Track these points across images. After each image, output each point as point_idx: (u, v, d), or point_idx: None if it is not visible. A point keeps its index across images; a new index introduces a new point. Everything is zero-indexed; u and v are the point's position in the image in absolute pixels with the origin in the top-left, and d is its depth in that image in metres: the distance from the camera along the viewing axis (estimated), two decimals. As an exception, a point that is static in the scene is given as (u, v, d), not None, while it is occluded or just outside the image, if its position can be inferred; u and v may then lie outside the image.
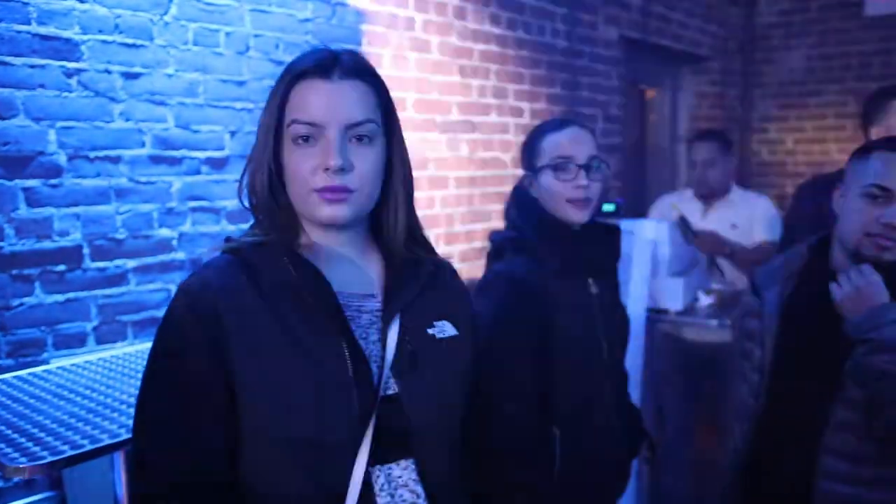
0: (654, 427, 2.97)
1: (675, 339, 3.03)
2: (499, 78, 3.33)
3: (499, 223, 2.28)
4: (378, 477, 1.00)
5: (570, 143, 1.67)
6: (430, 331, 1.09)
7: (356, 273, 1.08)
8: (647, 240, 2.55)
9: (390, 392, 1.01)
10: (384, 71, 2.81)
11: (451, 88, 3.12)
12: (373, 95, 1.06)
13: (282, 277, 1.01)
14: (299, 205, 1.04)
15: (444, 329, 1.10)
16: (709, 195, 3.31)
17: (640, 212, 3.74)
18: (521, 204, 1.73)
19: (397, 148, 1.09)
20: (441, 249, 2.89)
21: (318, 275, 1.02)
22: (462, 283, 1.22)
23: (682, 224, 2.98)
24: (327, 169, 0.99)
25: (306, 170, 1.00)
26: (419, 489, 1.02)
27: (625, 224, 2.69)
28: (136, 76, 2.14)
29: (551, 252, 1.65)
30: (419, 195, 2.96)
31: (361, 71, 1.06)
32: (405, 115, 2.91)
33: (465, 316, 1.16)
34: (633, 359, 2.50)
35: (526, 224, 1.69)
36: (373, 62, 1.13)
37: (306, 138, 1.01)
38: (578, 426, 1.64)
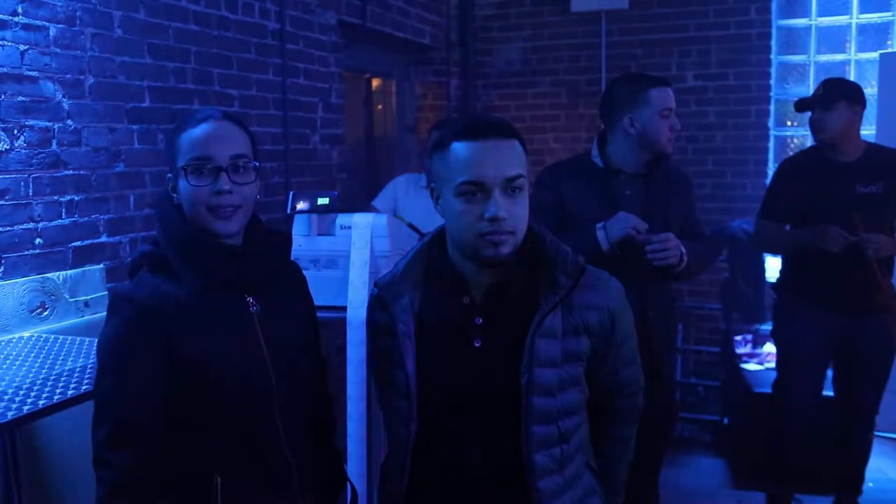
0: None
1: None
2: (200, 61, 2.98)
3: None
4: None
5: (207, 140, 1.43)
6: None
7: None
8: (364, 236, 2.38)
9: None
10: (54, 49, 2.36)
11: (142, 71, 2.72)
12: None
13: None
14: None
15: None
16: None
17: (370, 203, 3.61)
18: (162, 213, 1.48)
19: None
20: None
21: None
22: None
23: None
24: None
25: None
26: None
27: (341, 218, 2.50)
28: None
29: (192, 268, 1.41)
30: (108, 194, 2.57)
31: None
32: (83, 102, 2.48)
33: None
34: (356, 369, 2.31)
35: (163, 236, 1.44)
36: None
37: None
38: (243, 474, 1.41)
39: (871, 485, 3.58)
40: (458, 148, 1.37)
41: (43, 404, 1.69)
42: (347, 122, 4.12)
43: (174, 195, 1.47)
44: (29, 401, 1.70)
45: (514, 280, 1.43)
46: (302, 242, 2.47)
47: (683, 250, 2.41)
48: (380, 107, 4.90)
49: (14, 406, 1.67)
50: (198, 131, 1.45)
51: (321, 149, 3.71)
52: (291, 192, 2.46)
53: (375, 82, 4.89)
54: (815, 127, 3.00)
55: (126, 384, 1.37)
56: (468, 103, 5.02)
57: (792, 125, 4.76)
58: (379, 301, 1.52)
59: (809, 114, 3.02)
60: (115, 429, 1.35)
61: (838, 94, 2.93)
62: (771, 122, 4.65)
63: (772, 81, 4.61)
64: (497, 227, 1.35)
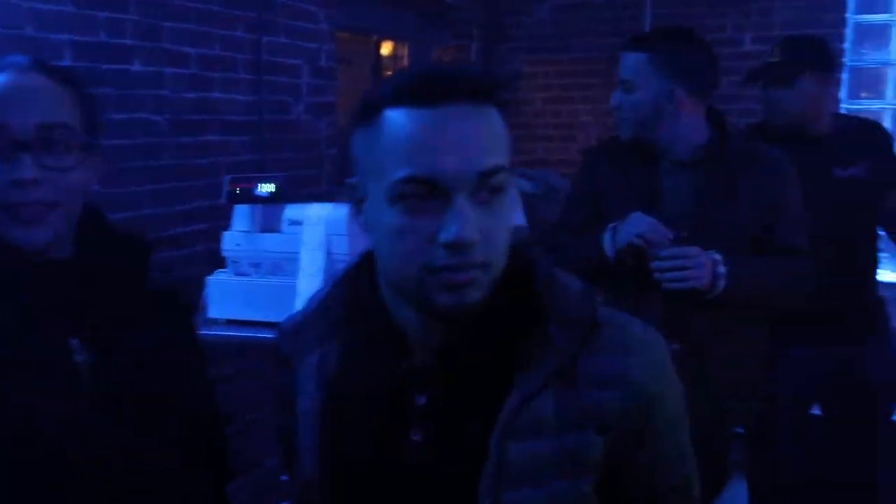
0: None
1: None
2: (144, 11, 2.46)
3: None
4: None
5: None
6: None
7: None
8: (317, 234, 1.84)
9: None
10: None
11: (61, 22, 2.21)
12: None
13: None
14: None
15: None
16: None
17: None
18: None
19: None
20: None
21: None
22: None
23: None
24: None
25: None
26: None
27: (290, 211, 1.97)
28: None
29: None
30: None
31: None
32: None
33: None
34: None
35: None
36: None
37: None
38: None
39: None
40: (395, 119, 0.81)
41: None
42: (349, 92, 3.58)
43: None
44: None
45: (483, 337, 0.87)
46: (240, 241, 1.95)
47: (722, 271, 1.77)
48: (390, 73, 4.35)
49: None
50: None
51: (305, 119, 3.17)
52: (227, 177, 1.93)
53: (386, 46, 4.33)
54: (770, 107, 2.31)
55: None
56: (492, 70, 4.44)
57: (868, 97, 4.08)
58: (279, 356, 1.01)
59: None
60: None
61: (800, 64, 2.22)
62: (844, 94, 3.97)
63: (846, 45, 3.92)
64: (461, 259, 0.79)
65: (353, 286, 0.94)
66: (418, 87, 0.81)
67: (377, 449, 0.89)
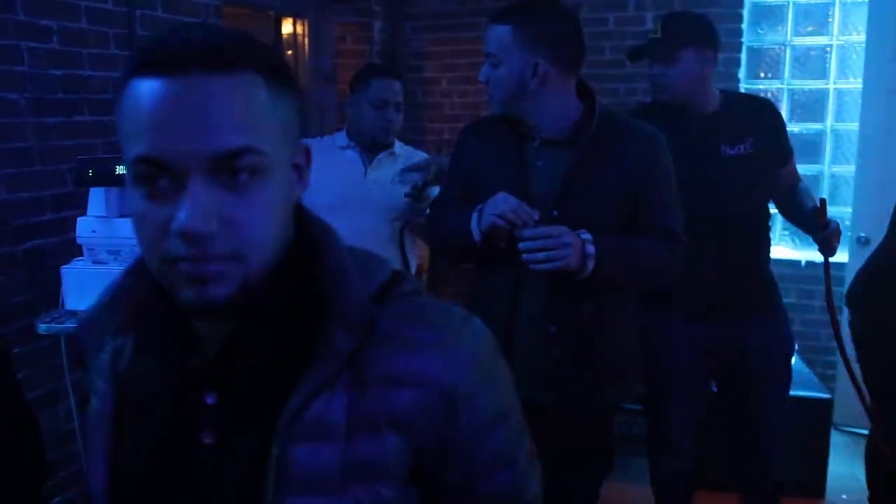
0: None
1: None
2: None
3: None
4: None
5: None
6: None
7: None
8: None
9: None
10: None
11: None
12: None
13: None
14: None
15: None
16: (372, 146, 2.60)
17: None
18: None
19: None
20: None
21: None
22: None
23: None
24: None
25: None
26: None
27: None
28: None
29: None
30: None
31: None
32: None
33: None
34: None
35: None
36: None
37: None
38: None
39: (844, 497, 3.21)
40: (134, 90, 0.72)
41: None
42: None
43: None
44: None
45: (265, 333, 0.78)
46: (96, 228, 1.81)
47: (591, 250, 1.73)
48: (290, 52, 4.19)
49: None
50: None
51: (189, 99, 3.00)
52: (78, 158, 1.78)
53: (286, 23, 4.18)
54: (655, 84, 2.28)
55: None
56: (395, 48, 4.33)
57: (765, 76, 4.14)
58: (76, 351, 0.93)
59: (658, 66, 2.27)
60: None
61: (680, 40, 2.21)
62: (742, 73, 4.01)
63: (744, 25, 3.95)
64: (198, 250, 0.70)
65: (142, 275, 0.84)
66: (153, 54, 0.71)
67: (166, 453, 0.80)
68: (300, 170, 0.80)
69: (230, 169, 0.70)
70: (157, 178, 0.70)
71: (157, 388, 0.82)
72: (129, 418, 0.83)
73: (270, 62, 0.75)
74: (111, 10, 2.65)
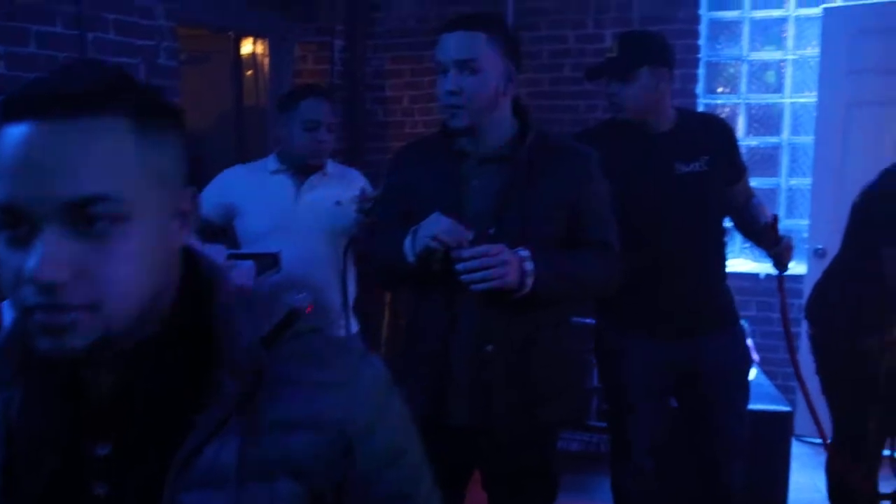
0: None
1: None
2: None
3: None
4: None
5: None
6: None
7: None
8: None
9: None
10: None
11: None
12: None
13: None
14: None
15: None
16: (304, 169, 2.56)
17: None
18: None
19: None
20: None
21: None
22: None
23: None
24: None
25: None
26: None
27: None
28: None
29: None
30: None
31: None
32: None
33: None
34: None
35: None
36: None
37: None
38: None
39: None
40: (4, 135, 0.71)
41: None
42: (206, 92, 3.40)
43: None
44: None
45: (153, 380, 0.77)
46: None
47: (530, 268, 1.71)
48: (250, 72, 4.17)
49: None
50: None
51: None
52: None
53: (246, 43, 4.16)
54: (612, 102, 2.30)
55: None
56: (356, 67, 4.32)
57: (723, 91, 4.19)
58: None
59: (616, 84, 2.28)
60: None
61: (637, 59, 2.22)
62: (700, 89, 4.05)
63: (700, 41, 4.00)
64: (51, 300, 0.69)
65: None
66: (21, 99, 0.70)
67: None
68: (185, 215, 0.79)
69: (85, 217, 0.69)
70: (16, 224, 0.69)
71: (46, 440, 0.79)
72: (19, 471, 0.81)
73: (143, 105, 0.73)
74: (61, 34, 2.62)
